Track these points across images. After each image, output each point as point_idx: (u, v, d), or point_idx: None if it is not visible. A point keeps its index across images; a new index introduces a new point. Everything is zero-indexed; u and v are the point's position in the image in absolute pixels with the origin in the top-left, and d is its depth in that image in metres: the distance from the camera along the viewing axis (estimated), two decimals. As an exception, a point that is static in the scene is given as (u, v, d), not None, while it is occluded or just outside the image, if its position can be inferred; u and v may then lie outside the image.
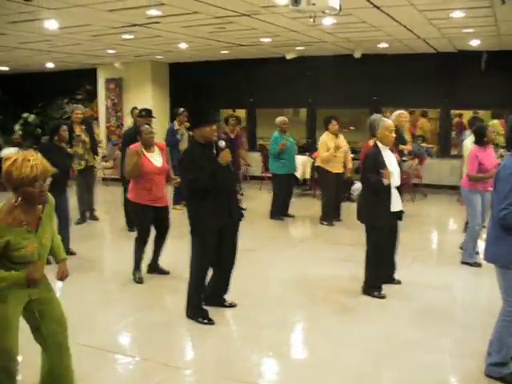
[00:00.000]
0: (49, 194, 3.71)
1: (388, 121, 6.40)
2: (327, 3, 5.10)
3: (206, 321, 5.78)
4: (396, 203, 6.35)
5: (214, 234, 5.72)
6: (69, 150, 8.83)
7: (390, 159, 6.35)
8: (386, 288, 6.58)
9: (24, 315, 3.80)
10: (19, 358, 3.80)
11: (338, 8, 5.38)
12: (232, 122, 12.12)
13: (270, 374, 4.92)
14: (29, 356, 4.21)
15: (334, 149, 10.09)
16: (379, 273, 6.54)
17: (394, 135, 6.35)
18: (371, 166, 6.21)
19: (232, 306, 6.21)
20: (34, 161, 3.45)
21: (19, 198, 3.53)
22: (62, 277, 4.01)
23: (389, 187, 6.20)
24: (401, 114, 8.47)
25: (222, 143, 5.78)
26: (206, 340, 5.48)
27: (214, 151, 5.70)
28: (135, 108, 11.85)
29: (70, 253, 8.21)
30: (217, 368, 4.89)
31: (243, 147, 13.88)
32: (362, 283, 6.57)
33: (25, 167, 3.40)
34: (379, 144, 6.30)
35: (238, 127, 12.44)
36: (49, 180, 3.60)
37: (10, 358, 3.65)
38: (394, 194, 6.32)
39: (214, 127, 5.71)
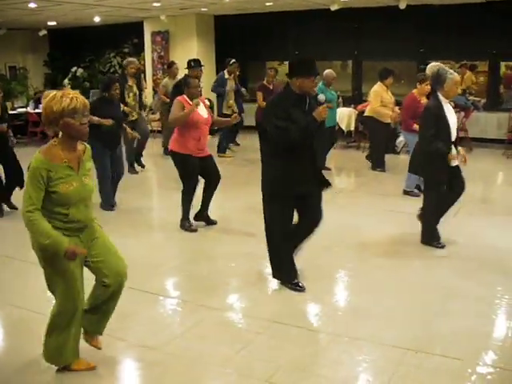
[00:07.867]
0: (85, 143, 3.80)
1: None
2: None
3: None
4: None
5: (293, 199, 5.20)
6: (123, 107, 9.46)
7: (451, 113, 6.19)
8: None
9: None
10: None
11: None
12: (271, 74, 12.22)
13: (315, 318, 4.99)
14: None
15: (390, 104, 10.25)
16: (437, 223, 6.48)
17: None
18: (433, 119, 6.05)
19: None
20: (74, 94, 3.54)
21: (59, 134, 3.57)
22: None
23: (449, 142, 6.09)
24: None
25: (322, 97, 5.23)
26: (248, 286, 5.54)
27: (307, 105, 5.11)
28: (173, 62, 12.39)
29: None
30: (259, 311, 4.96)
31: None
32: (420, 232, 6.51)
33: (65, 99, 3.47)
34: (440, 97, 6.11)
35: (275, 79, 12.49)
36: (88, 117, 3.62)
37: (76, 307, 3.76)
38: (452, 148, 6.18)
39: (315, 81, 5.32)
